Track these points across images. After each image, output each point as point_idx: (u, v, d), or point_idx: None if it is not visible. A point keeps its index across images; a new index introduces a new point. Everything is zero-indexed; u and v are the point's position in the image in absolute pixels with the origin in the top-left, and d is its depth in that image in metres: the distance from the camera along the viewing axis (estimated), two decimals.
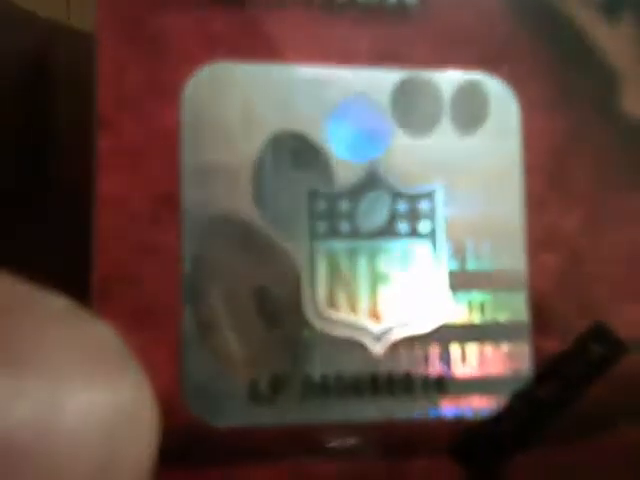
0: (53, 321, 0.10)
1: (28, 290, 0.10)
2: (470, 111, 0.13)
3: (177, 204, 0.12)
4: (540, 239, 0.13)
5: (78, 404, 0.10)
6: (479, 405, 0.12)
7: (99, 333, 0.11)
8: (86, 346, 0.10)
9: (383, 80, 0.13)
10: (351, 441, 0.12)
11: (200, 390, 0.12)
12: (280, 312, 0.12)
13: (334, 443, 0.12)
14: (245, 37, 0.12)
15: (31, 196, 0.12)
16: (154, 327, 0.12)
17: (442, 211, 0.13)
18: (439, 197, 0.13)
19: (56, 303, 0.10)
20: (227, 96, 0.12)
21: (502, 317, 0.13)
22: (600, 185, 0.13)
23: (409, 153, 0.13)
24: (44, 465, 0.09)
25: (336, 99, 0.12)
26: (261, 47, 0.12)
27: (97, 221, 0.11)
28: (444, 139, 0.13)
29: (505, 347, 0.13)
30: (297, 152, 0.12)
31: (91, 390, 0.10)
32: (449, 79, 0.13)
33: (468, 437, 0.12)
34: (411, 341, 0.12)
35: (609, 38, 0.14)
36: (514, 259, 0.13)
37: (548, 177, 0.13)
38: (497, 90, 0.13)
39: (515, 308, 0.13)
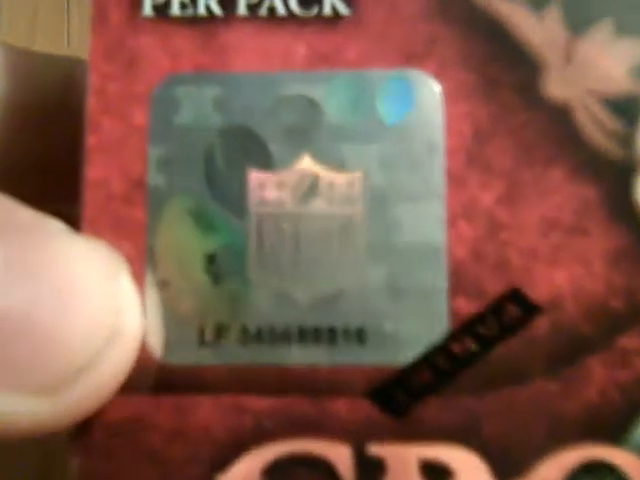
0: (55, 234, 0.13)
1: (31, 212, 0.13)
2: (398, 101, 0.15)
3: (145, 187, 0.15)
4: (459, 211, 0.15)
5: (88, 291, 0.13)
6: (397, 356, 0.14)
7: (97, 244, 0.14)
8: (86, 249, 0.13)
9: (318, 80, 0.15)
10: None
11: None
12: (223, 273, 0.15)
13: None
14: (201, 50, 0.15)
15: None
16: None
17: (363, 192, 0.15)
18: (360, 183, 0.15)
19: (55, 223, 0.13)
20: (184, 100, 0.15)
21: (421, 281, 0.15)
22: (519, 163, 0.15)
23: (339, 142, 0.15)
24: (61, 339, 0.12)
25: (275, 99, 0.15)
26: (213, 57, 0.15)
27: (84, 201, 0.15)
28: (375, 127, 0.15)
29: (424, 307, 0.14)
30: (243, 143, 0.15)
31: (98, 273, 0.13)
32: (378, 76, 0.15)
33: (386, 383, 0.14)
34: (335, 299, 0.14)
35: (534, 31, 0.15)
36: (434, 229, 0.15)
37: (468, 157, 0.15)
38: (422, 82, 0.15)
39: (434, 273, 0.15)
